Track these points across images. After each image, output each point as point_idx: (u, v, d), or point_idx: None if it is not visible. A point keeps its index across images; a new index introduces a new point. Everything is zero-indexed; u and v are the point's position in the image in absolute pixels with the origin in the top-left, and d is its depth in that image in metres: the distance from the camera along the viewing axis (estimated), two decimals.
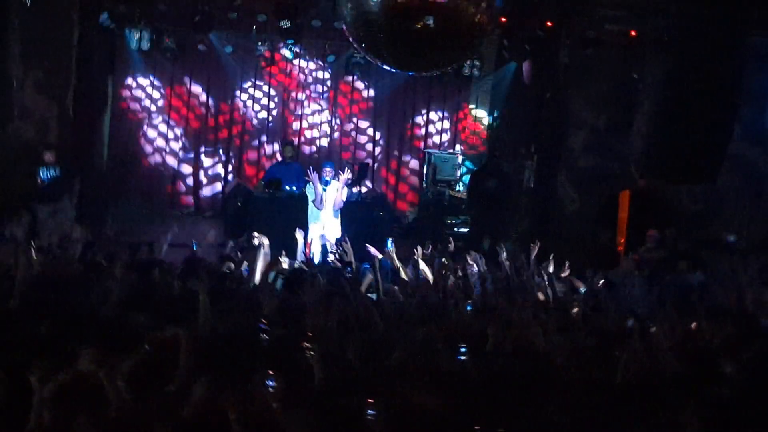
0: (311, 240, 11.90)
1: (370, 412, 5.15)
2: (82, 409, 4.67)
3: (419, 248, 10.66)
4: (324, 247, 11.85)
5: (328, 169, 13.13)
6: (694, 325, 8.05)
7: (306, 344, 6.17)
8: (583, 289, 10.20)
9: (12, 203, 12.59)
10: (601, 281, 10.53)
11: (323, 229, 12.41)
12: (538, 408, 5.77)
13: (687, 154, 12.97)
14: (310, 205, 12.60)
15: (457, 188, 17.53)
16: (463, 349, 6.76)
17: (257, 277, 9.60)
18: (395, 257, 10.81)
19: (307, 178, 13.13)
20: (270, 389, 5.30)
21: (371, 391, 5.75)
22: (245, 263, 9.74)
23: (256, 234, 10.93)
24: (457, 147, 18.94)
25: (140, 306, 7.49)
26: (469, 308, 8.20)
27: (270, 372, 5.34)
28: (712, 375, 6.34)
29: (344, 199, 12.71)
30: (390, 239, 11.92)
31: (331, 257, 11.20)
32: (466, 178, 17.98)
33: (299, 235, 11.75)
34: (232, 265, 9.97)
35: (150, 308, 7.13)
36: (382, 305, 8.01)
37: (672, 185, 14.75)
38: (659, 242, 13.45)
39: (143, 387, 5.59)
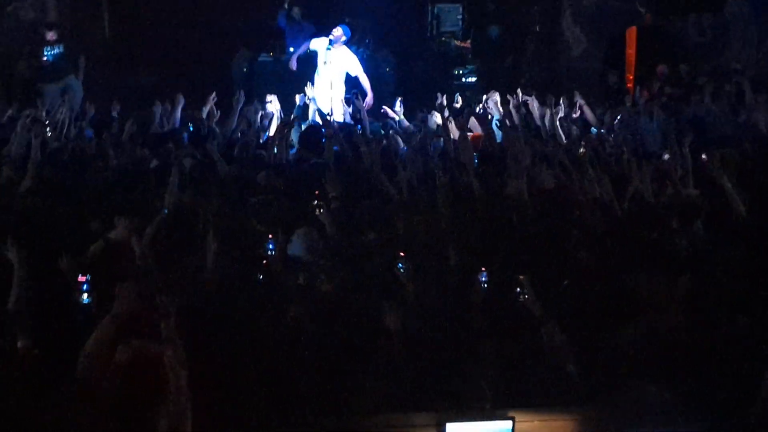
0: (319, 99, 11.87)
1: (399, 265, 5.37)
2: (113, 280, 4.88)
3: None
4: (330, 108, 11.85)
5: (338, 29, 12.89)
6: (704, 156, 8.18)
7: (318, 203, 6.35)
8: (594, 127, 10.27)
9: (20, 85, 12.61)
10: (616, 118, 10.59)
11: (331, 88, 12.37)
12: (553, 245, 5.96)
13: None
14: (318, 65, 12.50)
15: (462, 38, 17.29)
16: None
17: (271, 133, 9.73)
18: (403, 117, 10.87)
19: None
20: (271, 252, 5.49)
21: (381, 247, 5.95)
22: (257, 124, 9.82)
23: (268, 96, 10.99)
24: None
25: (152, 178, 7.66)
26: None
27: (270, 236, 5.52)
28: (720, 199, 6.50)
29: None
30: (399, 98, 11.87)
31: (338, 115, 11.26)
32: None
33: (309, 92, 11.74)
34: (243, 128, 10.07)
35: (163, 179, 7.29)
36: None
37: (678, 18, 14.54)
38: (668, 77, 13.38)
39: (166, 251, 5.80)
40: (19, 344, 4.42)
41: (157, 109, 10.55)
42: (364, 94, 11.66)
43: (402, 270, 5.26)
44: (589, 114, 10.79)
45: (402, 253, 5.34)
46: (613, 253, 5.71)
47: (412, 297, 5.14)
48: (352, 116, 11.31)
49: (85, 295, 4.78)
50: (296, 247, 5.76)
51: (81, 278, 4.83)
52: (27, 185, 7.20)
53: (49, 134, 9.42)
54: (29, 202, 6.79)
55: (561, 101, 10.94)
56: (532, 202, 6.71)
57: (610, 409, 4.55)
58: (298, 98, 12.04)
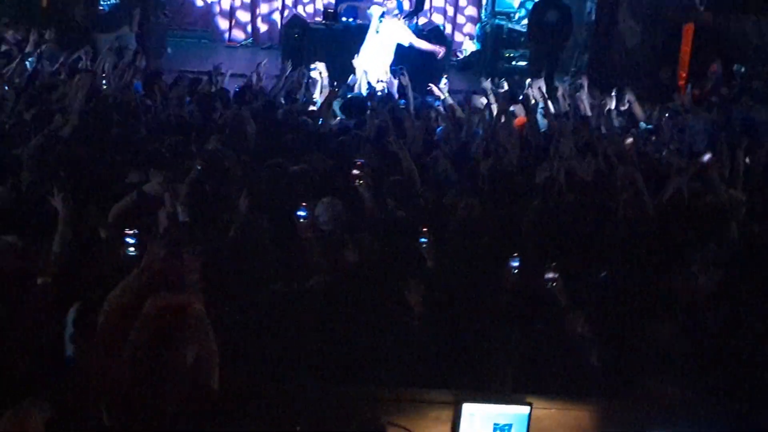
0: (367, 71, 11.87)
1: (422, 239, 5.37)
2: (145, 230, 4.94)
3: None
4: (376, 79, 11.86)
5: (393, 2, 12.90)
6: (747, 159, 8.08)
7: (357, 173, 6.35)
8: (642, 123, 10.18)
9: (73, 33, 12.72)
10: (665, 115, 10.48)
11: (379, 59, 12.36)
12: (589, 235, 5.93)
13: None
14: (367, 36, 12.51)
15: (516, 20, 17.19)
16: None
17: (317, 104, 9.75)
18: (447, 94, 10.83)
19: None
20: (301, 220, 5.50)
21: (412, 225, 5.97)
22: (303, 91, 9.84)
23: (315, 64, 11.00)
24: None
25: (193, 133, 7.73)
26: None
27: (303, 204, 5.54)
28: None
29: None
30: (445, 75, 11.83)
31: (381, 86, 11.25)
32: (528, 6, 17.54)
33: (357, 64, 11.75)
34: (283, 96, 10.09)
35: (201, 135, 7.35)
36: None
37: (738, 18, 14.31)
38: (721, 77, 13.20)
39: (198, 208, 5.84)
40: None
41: (225, 72, 10.68)
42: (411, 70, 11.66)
43: (424, 245, 5.26)
44: (637, 110, 10.69)
45: (425, 228, 5.34)
46: (648, 249, 5.67)
47: (433, 273, 5.14)
48: (398, 91, 11.29)
49: (131, 249, 4.81)
50: (320, 215, 5.75)
51: (128, 231, 4.86)
52: (68, 132, 7.28)
53: (104, 84, 9.53)
54: (70, 150, 6.87)
55: (612, 93, 10.85)
56: (570, 191, 6.68)
57: (631, 403, 4.54)
58: (351, 76, 12.05)
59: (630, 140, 8.48)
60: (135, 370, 3.71)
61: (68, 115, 7.59)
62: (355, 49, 12.64)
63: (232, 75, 11.14)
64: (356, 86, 11.44)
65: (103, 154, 6.94)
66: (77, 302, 4.25)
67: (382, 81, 11.59)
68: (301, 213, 5.39)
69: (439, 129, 9.18)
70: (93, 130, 7.56)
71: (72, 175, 6.27)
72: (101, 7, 13.38)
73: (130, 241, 4.79)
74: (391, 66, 12.26)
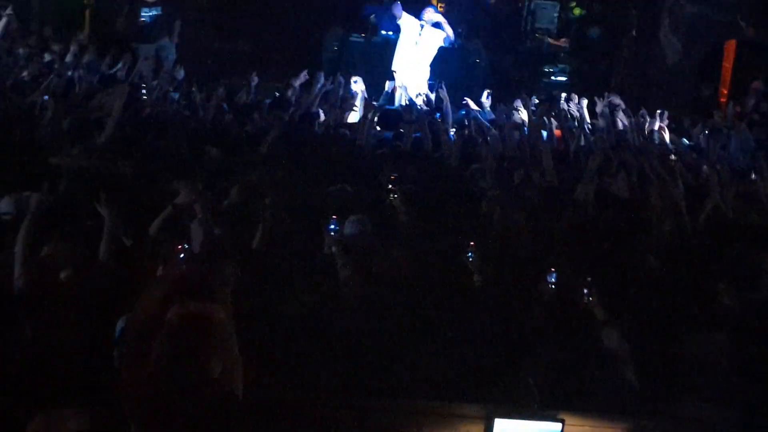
0: (406, 85, 11.87)
1: (469, 255, 5.34)
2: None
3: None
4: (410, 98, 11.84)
5: (430, 10, 12.92)
6: None
7: (391, 187, 6.34)
8: (685, 140, 10.07)
9: (114, 42, 12.84)
10: (703, 131, 10.37)
11: (418, 70, 12.37)
12: (629, 254, 5.86)
13: None
14: (403, 47, 12.52)
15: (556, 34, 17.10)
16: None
17: (356, 117, 9.74)
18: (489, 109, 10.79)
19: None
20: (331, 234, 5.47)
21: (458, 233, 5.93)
22: (341, 105, 9.85)
23: (354, 78, 11.01)
24: None
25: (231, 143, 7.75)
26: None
27: (334, 217, 5.51)
28: None
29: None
30: (487, 91, 11.78)
31: (420, 100, 11.23)
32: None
33: (398, 78, 11.75)
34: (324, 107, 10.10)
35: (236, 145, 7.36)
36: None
37: None
38: (763, 94, 13.03)
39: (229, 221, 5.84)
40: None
41: (253, 81, 10.71)
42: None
43: (471, 260, 5.24)
44: (666, 135, 10.52)
45: (472, 243, 5.32)
46: (686, 266, 5.60)
47: (478, 288, 5.11)
48: (435, 104, 11.27)
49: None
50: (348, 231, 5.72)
51: (178, 248, 4.85)
52: (103, 141, 7.32)
53: (144, 95, 9.59)
54: (105, 159, 6.91)
55: (655, 114, 10.74)
56: (602, 207, 6.62)
57: (667, 423, 4.46)
58: (387, 84, 12.05)
59: (673, 157, 8.42)
60: (158, 380, 3.70)
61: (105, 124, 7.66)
62: (390, 63, 12.64)
63: (268, 86, 11.18)
64: (396, 99, 11.43)
65: (139, 164, 6.96)
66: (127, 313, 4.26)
67: (420, 95, 11.57)
68: (332, 226, 5.37)
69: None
70: (130, 140, 7.60)
71: (111, 184, 6.30)
72: (143, 18, 13.49)
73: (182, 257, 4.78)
74: (429, 80, 12.26)
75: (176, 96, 10.08)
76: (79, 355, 4.30)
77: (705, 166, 8.23)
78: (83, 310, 4.60)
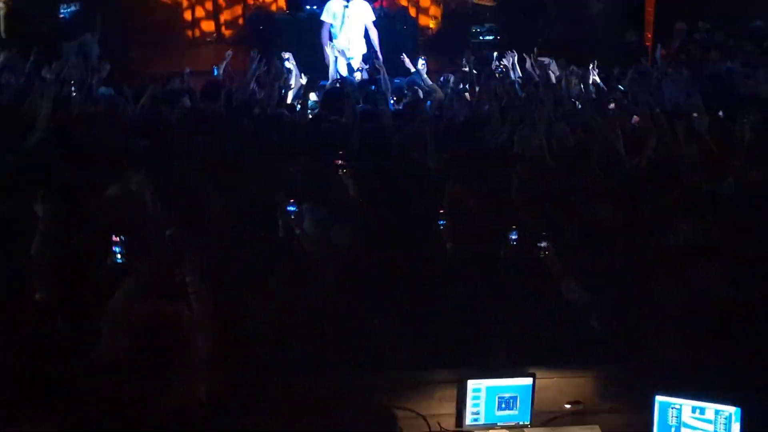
0: (337, 57, 11.80)
1: (441, 222, 5.38)
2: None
3: None
4: (350, 64, 11.79)
5: None
6: (721, 113, 8.15)
7: (340, 162, 6.34)
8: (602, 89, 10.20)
9: (34, 42, 12.55)
10: (633, 78, 10.50)
11: (349, 46, 12.30)
12: (575, 201, 5.95)
13: None
14: (336, 23, 12.45)
15: None
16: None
17: (290, 97, 9.68)
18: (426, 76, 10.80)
19: None
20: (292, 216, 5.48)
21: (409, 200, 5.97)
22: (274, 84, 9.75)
23: (285, 54, 10.90)
24: None
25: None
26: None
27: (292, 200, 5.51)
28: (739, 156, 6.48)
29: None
30: (422, 57, 11.75)
31: (358, 75, 11.20)
32: None
33: (329, 51, 11.66)
34: (256, 87, 10.01)
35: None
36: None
37: None
38: (688, 35, 13.23)
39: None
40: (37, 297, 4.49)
41: (185, 69, 10.58)
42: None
43: (442, 227, 5.28)
44: (600, 84, 10.62)
45: (442, 211, 5.35)
46: (636, 210, 5.70)
47: (449, 255, 5.15)
48: (370, 75, 11.24)
49: (119, 255, 4.75)
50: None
51: (115, 238, 4.79)
52: (34, 141, 7.19)
53: (73, 92, 9.41)
54: (38, 158, 6.81)
55: (588, 66, 10.82)
56: (552, 159, 6.70)
57: (634, 368, 4.57)
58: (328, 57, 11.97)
59: (612, 105, 8.55)
60: (126, 377, 3.70)
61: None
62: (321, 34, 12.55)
63: (198, 73, 11.05)
64: (330, 73, 11.34)
65: (73, 161, 6.85)
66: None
67: (359, 70, 11.52)
68: (291, 209, 5.35)
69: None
70: (60, 138, 7.47)
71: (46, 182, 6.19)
72: (61, 15, 13.22)
73: (117, 249, 4.73)
74: (364, 54, 12.20)
75: (104, 91, 9.90)
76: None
77: (640, 111, 8.33)
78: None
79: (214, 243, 5.19)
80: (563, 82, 10.05)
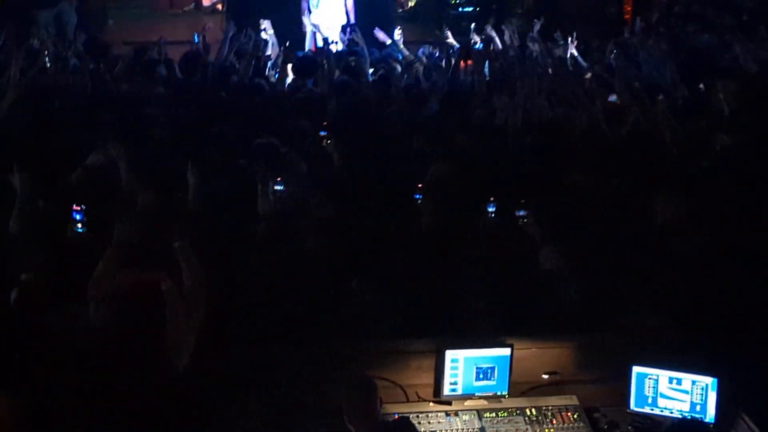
0: (316, 28, 11.73)
1: (417, 196, 5.37)
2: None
3: None
4: (326, 36, 11.71)
5: None
6: (701, 85, 8.16)
7: (324, 134, 6.32)
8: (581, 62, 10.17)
9: (12, 10, 12.38)
10: (613, 50, 10.47)
11: (327, 16, 12.22)
12: (556, 172, 5.95)
13: None
14: None
15: None
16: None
17: (271, 63, 9.58)
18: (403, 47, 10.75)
19: None
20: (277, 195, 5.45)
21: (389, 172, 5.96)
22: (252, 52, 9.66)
23: (263, 24, 10.80)
24: None
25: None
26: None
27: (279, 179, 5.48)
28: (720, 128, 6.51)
29: None
30: (398, 27, 11.68)
31: (335, 46, 11.12)
32: None
33: (307, 21, 11.58)
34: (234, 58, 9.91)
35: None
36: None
37: None
38: (667, 6, 13.23)
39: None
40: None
41: (163, 40, 10.42)
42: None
43: (420, 201, 5.27)
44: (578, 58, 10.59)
45: (420, 185, 5.34)
46: (615, 179, 5.71)
47: (425, 228, 5.14)
48: (348, 46, 11.16)
49: (79, 225, 4.70)
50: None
51: (76, 207, 4.74)
52: (5, 107, 7.10)
53: (47, 62, 9.29)
54: (9, 127, 6.74)
55: (567, 38, 10.77)
56: (530, 132, 6.68)
57: (611, 338, 4.58)
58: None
59: (589, 75, 8.53)
60: (108, 348, 3.69)
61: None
62: (302, 5, 12.44)
63: (177, 43, 10.91)
64: (306, 43, 11.28)
65: (46, 130, 6.78)
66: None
67: (335, 42, 11.44)
68: (278, 187, 5.33)
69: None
70: (33, 107, 7.38)
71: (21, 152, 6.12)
72: None
73: (78, 217, 4.68)
74: (343, 24, 12.11)
75: (77, 62, 9.77)
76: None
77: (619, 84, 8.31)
78: None
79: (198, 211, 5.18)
80: (542, 54, 10.01)
